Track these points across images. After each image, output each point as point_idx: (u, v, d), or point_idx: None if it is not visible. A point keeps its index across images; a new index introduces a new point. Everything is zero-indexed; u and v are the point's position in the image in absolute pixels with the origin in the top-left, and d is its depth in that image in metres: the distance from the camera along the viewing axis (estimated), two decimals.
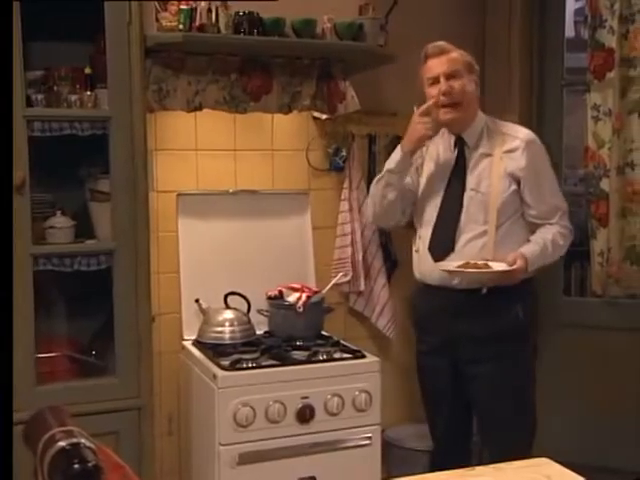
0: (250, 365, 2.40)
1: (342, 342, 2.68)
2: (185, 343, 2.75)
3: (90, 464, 1.06)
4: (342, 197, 3.08)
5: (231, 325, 2.64)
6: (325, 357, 2.50)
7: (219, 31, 2.45)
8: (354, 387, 2.44)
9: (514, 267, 2.28)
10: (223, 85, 2.66)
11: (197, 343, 2.67)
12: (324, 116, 2.96)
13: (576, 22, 5.47)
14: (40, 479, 1.10)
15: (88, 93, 2.40)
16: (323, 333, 2.76)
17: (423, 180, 2.54)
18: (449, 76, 2.39)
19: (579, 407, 3.28)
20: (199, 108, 2.67)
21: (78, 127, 2.36)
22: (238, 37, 2.50)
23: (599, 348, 3.27)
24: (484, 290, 2.37)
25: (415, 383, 2.72)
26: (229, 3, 2.46)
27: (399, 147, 2.49)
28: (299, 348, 2.58)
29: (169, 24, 2.41)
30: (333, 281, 2.86)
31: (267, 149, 3.02)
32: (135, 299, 2.43)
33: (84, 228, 2.49)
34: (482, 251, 2.37)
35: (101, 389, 2.42)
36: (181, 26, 2.42)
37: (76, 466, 1.05)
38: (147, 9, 2.40)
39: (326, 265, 3.06)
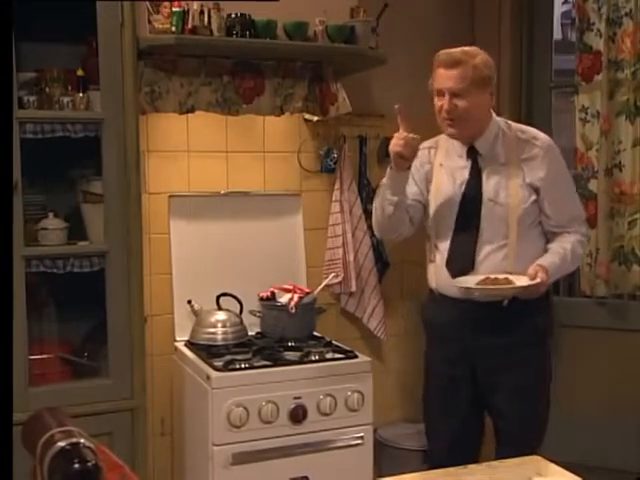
0: (243, 366, 2.41)
1: (334, 342, 2.70)
2: (177, 344, 2.76)
3: (90, 463, 1.07)
4: (333, 198, 3.09)
5: (223, 326, 2.65)
6: (317, 357, 2.52)
7: (211, 33, 2.47)
8: (346, 387, 2.46)
9: (536, 281, 2.21)
10: (215, 87, 2.68)
11: (190, 344, 2.68)
12: (315, 118, 2.98)
13: (563, 25, 5.54)
14: (39, 478, 1.11)
15: (80, 95, 2.40)
16: (315, 334, 2.77)
17: (434, 188, 2.43)
18: (455, 94, 2.27)
19: (571, 406, 3.30)
20: (191, 110, 2.68)
21: (71, 129, 2.37)
22: (230, 39, 2.51)
23: (588, 347, 3.29)
24: (505, 302, 2.31)
25: (407, 383, 2.73)
26: (221, 5, 2.46)
27: None
28: (291, 349, 2.59)
29: (161, 26, 2.41)
30: (325, 282, 2.87)
31: (258, 151, 3.03)
32: (128, 301, 2.44)
33: (76, 230, 2.50)
34: (503, 263, 2.30)
35: (94, 390, 2.42)
36: (174, 28, 2.42)
37: (76, 466, 1.06)
38: (139, 11, 2.41)
39: (317, 266, 3.07)
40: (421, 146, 2.46)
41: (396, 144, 2.24)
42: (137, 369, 2.45)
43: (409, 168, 2.33)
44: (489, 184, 2.34)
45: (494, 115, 2.41)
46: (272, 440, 2.36)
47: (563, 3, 5.43)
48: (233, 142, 2.97)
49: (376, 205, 2.45)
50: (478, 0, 3.41)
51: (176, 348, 2.75)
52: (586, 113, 3.18)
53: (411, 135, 2.24)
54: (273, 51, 2.65)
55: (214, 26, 2.46)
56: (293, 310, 2.64)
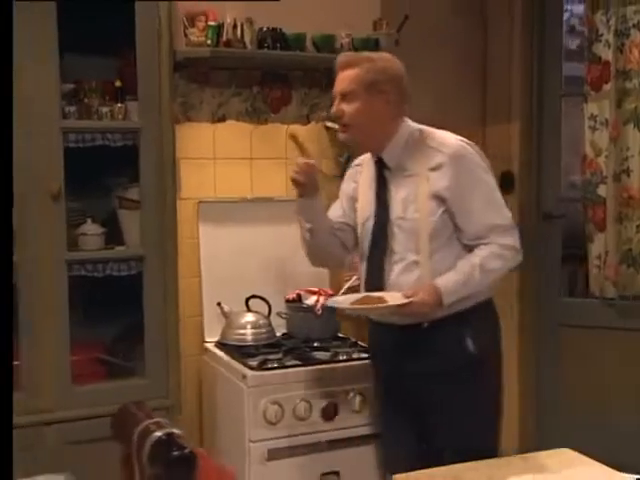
0: (276, 365, 2.51)
1: (359, 343, 2.80)
2: (207, 345, 2.85)
3: (187, 450, 1.16)
4: None
5: (253, 327, 2.75)
6: (346, 357, 2.62)
7: (245, 46, 2.57)
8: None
9: (409, 300, 2.04)
10: (245, 97, 2.78)
11: (220, 345, 2.77)
12: (337, 126, 3.07)
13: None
14: (136, 465, 1.20)
15: (119, 105, 2.49)
16: (339, 335, 2.87)
17: (359, 208, 2.33)
18: (343, 97, 2.17)
19: (578, 404, 3.40)
20: (222, 120, 2.79)
21: (110, 138, 2.47)
22: (263, 52, 2.62)
23: (596, 347, 3.40)
24: (425, 324, 2.15)
25: None
26: (253, 18, 2.57)
27: None
28: (319, 349, 2.69)
29: (197, 39, 2.52)
30: (347, 284, 2.95)
31: (281, 157, 3.13)
32: (164, 303, 2.53)
33: (113, 235, 2.59)
34: (417, 283, 2.13)
35: (131, 390, 2.50)
36: (209, 42, 2.53)
37: (175, 453, 1.16)
38: (176, 25, 2.50)
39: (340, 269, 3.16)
40: (352, 164, 2.45)
41: (292, 170, 2.23)
42: (172, 369, 2.55)
43: (339, 197, 2.33)
44: (397, 199, 2.19)
45: (408, 123, 2.24)
46: (305, 436, 2.46)
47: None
48: (257, 149, 3.07)
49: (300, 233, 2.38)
50: (491, 10, 3.53)
51: (206, 349, 2.84)
52: (595, 121, 3.30)
53: (305, 161, 2.22)
54: (302, 63, 2.76)
55: (247, 39, 2.56)
56: (320, 312, 2.74)
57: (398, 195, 2.19)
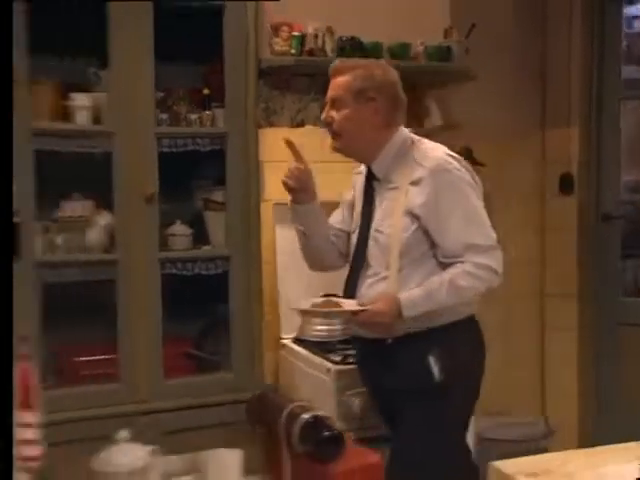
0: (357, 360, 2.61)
1: None
2: (284, 341, 2.96)
3: (335, 431, 1.27)
4: None
5: (329, 324, 2.86)
6: None
7: (325, 54, 2.68)
8: None
9: (364, 307, 2.04)
10: (323, 103, 2.88)
11: (298, 341, 2.88)
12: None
13: None
14: (284, 446, 1.32)
15: (207, 112, 2.62)
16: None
17: (353, 218, 2.31)
18: (333, 103, 2.17)
19: (638, 403, 3.46)
20: (301, 125, 2.90)
21: (200, 143, 2.60)
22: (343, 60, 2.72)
23: None
24: (389, 340, 2.11)
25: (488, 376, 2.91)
26: (334, 28, 2.69)
27: None
28: None
29: (280, 49, 2.64)
30: None
31: (348, 161, 3.22)
32: (248, 300, 2.67)
33: (199, 235, 2.72)
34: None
35: (218, 383, 2.65)
36: (293, 50, 2.65)
37: (326, 433, 1.27)
38: (261, 35, 2.63)
39: None
40: (354, 171, 2.42)
41: (284, 174, 2.23)
42: (257, 363, 2.67)
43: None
44: (378, 212, 2.16)
45: (402, 133, 2.18)
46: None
47: None
48: (326, 153, 3.16)
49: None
50: (550, 15, 3.60)
51: (284, 345, 2.95)
52: None
53: (297, 166, 2.22)
54: None
55: (328, 48, 2.68)
56: None
57: (380, 208, 2.16)
